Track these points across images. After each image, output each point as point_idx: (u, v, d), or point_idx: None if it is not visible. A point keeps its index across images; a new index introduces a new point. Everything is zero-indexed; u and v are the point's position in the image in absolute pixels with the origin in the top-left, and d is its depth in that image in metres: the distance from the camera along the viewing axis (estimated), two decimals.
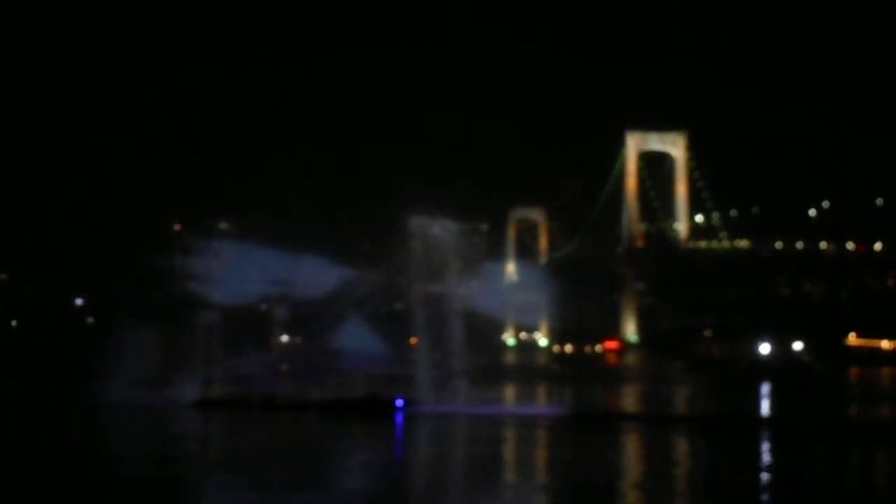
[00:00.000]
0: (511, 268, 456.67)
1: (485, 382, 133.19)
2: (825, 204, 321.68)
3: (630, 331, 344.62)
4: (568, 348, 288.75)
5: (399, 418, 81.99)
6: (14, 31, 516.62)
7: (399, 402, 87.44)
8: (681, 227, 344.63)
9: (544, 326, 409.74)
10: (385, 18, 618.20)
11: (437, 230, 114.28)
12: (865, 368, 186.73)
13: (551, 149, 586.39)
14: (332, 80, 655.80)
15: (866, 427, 78.81)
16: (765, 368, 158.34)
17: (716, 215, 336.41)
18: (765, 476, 55.49)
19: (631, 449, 67.46)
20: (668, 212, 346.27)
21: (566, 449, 67.40)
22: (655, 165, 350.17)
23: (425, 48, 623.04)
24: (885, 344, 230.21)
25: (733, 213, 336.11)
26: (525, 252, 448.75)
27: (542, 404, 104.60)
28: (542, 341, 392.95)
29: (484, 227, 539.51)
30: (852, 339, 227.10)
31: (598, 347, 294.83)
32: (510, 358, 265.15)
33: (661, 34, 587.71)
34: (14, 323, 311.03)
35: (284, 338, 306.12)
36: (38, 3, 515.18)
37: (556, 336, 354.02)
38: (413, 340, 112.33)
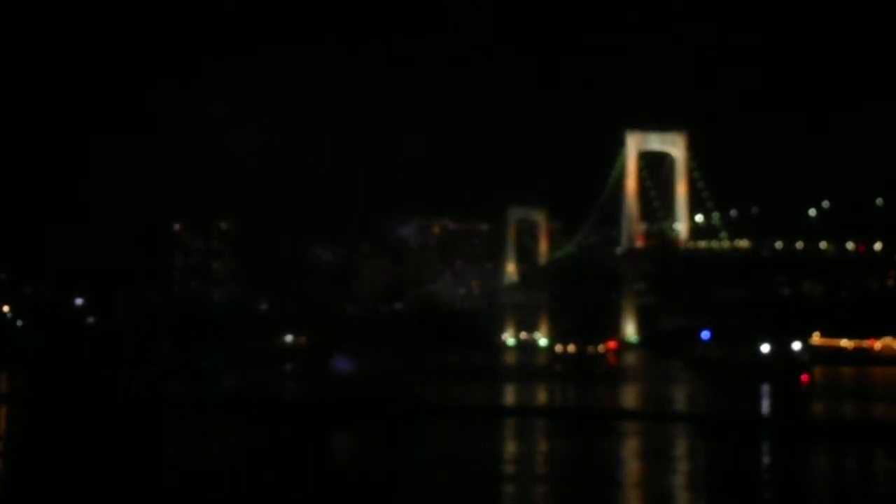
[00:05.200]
0: (511, 268, 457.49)
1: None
2: (825, 204, 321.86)
3: (630, 331, 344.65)
4: (570, 348, 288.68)
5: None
6: (14, 33, 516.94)
7: None
8: (681, 227, 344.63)
9: (544, 326, 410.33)
10: (384, 18, 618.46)
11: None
12: (828, 368, 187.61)
13: (551, 149, 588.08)
14: (331, 79, 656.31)
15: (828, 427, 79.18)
16: (763, 368, 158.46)
17: (716, 215, 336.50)
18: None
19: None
20: (668, 212, 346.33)
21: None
22: (655, 165, 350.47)
23: (425, 46, 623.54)
24: (844, 343, 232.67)
25: (733, 213, 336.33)
26: (525, 252, 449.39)
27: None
28: (543, 341, 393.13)
29: (484, 227, 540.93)
30: (816, 338, 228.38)
31: (601, 347, 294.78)
32: (510, 358, 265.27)
33: (662, 35, 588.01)
34: (20, 323, 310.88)
35: (288, 338, 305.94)
36: (37, 6, 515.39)
37: (557, 336, 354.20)
38: None
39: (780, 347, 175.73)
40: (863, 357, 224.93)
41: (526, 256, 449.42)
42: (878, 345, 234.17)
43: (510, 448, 67.37)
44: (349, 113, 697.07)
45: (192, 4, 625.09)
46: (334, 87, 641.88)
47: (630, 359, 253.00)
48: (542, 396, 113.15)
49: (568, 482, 53.15)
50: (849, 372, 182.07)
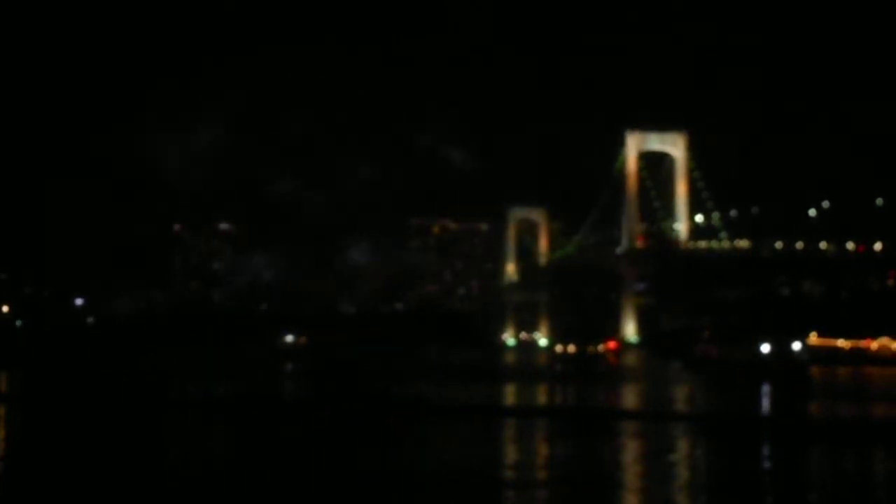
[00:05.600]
0: (511, 268, 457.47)
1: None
2: (825, 204, 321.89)
3: (630, 331, 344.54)
4: (571, 348, 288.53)
5: None
6: (15, 31, 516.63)
7: None
8: (681, 227, 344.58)
9: (544, 326, 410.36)
10: (384, 18, 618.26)
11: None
12: (825, 368, 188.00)
13: (551, 149, 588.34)
14: (331, 80, 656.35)
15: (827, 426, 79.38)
16: (763, 368, 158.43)
17: (716, 215, 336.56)
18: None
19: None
20: (668, 212, 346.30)
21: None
22: (655, 165, 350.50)
23: (425, 46, 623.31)
24: (841, 343, 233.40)
25: (733, 213, 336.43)
26: (525, 252, 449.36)
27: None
28: (543, 341, 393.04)
29: (484, 227, 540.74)
30: (813, 338, 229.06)
31: (602, 347, 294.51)
32: (510, 358, 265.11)
33: (662, 35, 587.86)
34: (19, 323, 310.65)
35: (289, 337, 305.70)
36: (37, 8, 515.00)
37: (557, 336, 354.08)
38: None
39: (780, 347, 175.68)
40: (859, 357, 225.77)
41: (526, 256, 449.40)
42: (874, 345, 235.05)
43: (511, 449, 67.36)
44: (349, 113, 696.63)
45: (192, 4, 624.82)
46: (334, 87, 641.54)
47: (630, 359, 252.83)
48: (543, 396, 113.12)
49: (569, 484, 53.14)
50: (845, 372, 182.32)
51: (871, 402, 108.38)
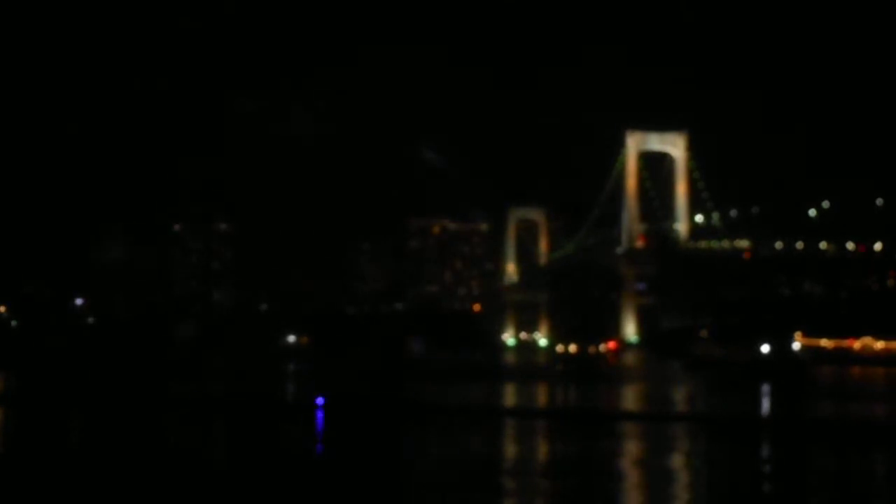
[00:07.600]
0: (511, 268, 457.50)
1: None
2: (825, 204, 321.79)
3: (630, 331, 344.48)
4: (571, 348, 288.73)
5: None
6: (13, 35, 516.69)
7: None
8: (681, 227, 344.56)
9: (544, 326, 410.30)
10: (383, 19, 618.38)
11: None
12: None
13: (552, 149, 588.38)
14: (333, 81, 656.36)
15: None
16: (763, 368, 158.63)
17: (716, 215, 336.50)
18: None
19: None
20: (668, 212, 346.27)
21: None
22: (655, 165, 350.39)
23: (425, 46, 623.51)
24: (824, 342, 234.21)
25: (733, 213, 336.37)
26: (525, 252, 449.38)
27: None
28: (543, 341, 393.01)
29: (484, 227, 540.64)
30: (798, 338, 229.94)
31: (603, 347, 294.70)
32: (511, 358, 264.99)
33: (662, 35, 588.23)
34: (14, 323, 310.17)
35: (291, 338, 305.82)
36: (37, 9, 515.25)
37: (558, 336, 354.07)
38: None
39: (780, 347, 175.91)
40: (842, 357, 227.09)
41: (526, 256, 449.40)
42: (856, 345, 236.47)
43: (510, 452, 67.35)
44: (350, 113, 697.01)
45: (190, 5, 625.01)
46: (335, 87, 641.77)
47: (630, 359, 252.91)
48: (545, 397, 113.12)
49: (572, 485, 53.17)
50: (828, 371, 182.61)
51: (864, 401, 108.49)
